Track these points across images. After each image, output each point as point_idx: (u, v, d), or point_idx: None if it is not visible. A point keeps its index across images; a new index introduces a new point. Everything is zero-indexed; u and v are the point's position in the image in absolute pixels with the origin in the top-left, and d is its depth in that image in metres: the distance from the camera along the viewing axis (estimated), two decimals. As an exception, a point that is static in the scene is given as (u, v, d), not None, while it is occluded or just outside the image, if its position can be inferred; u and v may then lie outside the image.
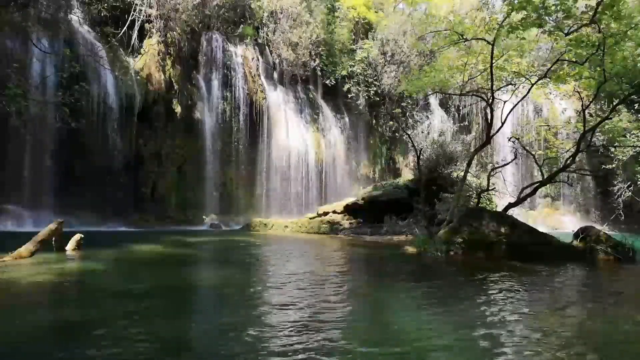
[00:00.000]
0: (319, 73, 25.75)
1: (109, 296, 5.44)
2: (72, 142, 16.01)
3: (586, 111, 12.56)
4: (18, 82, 12.95)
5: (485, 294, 6.04)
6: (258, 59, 23.86)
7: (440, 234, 10.62)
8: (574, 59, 11.01)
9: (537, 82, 12.31)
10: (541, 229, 12.11)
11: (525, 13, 10.08)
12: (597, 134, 14.83)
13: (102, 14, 18.82)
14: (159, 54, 19.97)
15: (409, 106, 27.51)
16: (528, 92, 13.09)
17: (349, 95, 26.36)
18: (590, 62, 10.73)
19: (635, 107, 19.03)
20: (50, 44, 16.08)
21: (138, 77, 19.00)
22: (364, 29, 27.96)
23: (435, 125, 26.16)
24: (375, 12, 28.66)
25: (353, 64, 26.40)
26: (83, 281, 6.56)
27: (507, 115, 12.66)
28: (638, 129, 17.40)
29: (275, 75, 24.92)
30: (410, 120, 27.21)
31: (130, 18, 19.02)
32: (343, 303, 5.40)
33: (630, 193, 20.79)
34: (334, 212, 18.49)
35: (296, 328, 4.09)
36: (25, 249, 7.81)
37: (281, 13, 24.46)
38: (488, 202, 16.95)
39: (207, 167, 20.97)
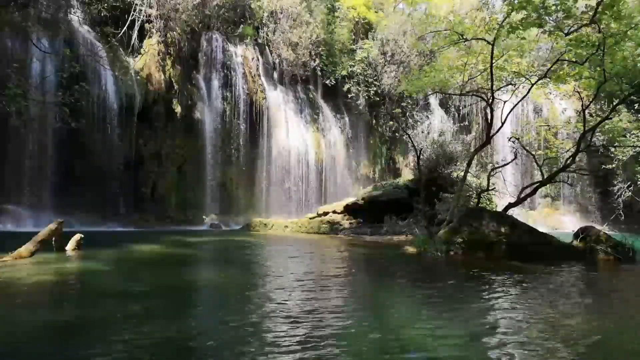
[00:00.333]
0: (319, 73, 25.75)
1: (109, 296, 5.43)
2: (72, 142, 16.02)
3: (586, 111, 12.57)
4: (18, 82, 12.96)
5: (485, 294, 6.04)
6: (258, 59, 23.86)
7: (440, 234, 10.62)
8: (574, 59, 11.01)
9: (537, 82, 12.31)
10: (541, 229, 12.11)
11: (525, 13, 10.07)
12: (597, 134, 14.82)
13: (102, 14, 18.84)
14: (159, 54, 19.99)
15: (409, 106, 27.52)
16: (528, 92, 13.10)
17: (349, 95, 26.36)
18: (590, 62, 10.72)
19: (635, 107, 19.03)
20: (50, 44, 16.08)
21: (138, 77, 19.01)
22: (364, 29, 27.96)
23: (435, 125, 26.15)
24: (375, 12, 28.66)
25: (353, 64, 26.40)
26: (83, 281, 6.56)
27: (507, 115, 12.67)
28: (638, 129, 17.39)
29: (275, 75, 24.93)
30: (410, 120, 27.21)
31: (130, 18, 19.04)
32: (343, 303, 5.40)
33: (630, 193, 20.82)
34: (334, 212, 18.49)
35: (296, 328, 4.09)
36: (25, 249, 7.81)
37: (281, 13, 24.47)
38: (488, 202, 16.95)
39: (207, 167, 20.99)
